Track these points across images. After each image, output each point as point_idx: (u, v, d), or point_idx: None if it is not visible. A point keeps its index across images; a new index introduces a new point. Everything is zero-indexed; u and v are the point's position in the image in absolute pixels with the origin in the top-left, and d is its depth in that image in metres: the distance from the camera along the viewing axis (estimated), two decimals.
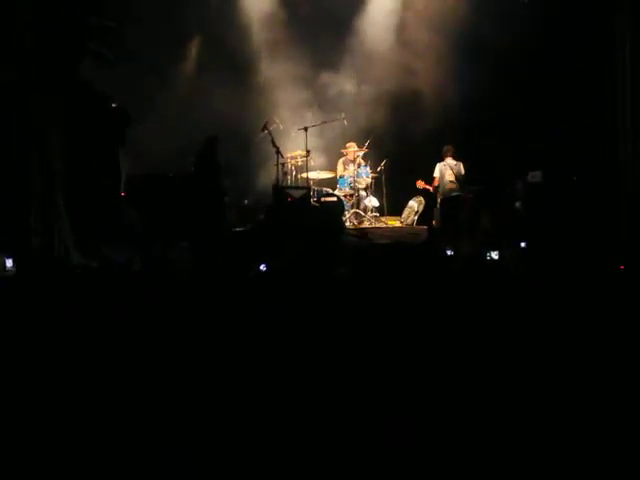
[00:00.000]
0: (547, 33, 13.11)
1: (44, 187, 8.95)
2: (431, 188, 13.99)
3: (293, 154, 14.41)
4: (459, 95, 14.37)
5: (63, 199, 9.20)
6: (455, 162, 13.84)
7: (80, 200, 9.77)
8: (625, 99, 11.49)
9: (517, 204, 12.90)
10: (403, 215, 15.07)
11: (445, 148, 13.96)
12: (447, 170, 13.76)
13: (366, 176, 14.81)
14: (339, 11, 15.30)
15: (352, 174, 14.67)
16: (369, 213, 14.71)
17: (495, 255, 8.02)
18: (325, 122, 14.52)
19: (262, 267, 7.06)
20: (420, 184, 14.20)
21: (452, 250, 9.12)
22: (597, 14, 12.01)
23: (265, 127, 13.49)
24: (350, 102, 15.35)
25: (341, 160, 15.13)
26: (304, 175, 14.14)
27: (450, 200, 13.39)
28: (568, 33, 12.64)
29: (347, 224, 14.05)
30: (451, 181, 13.70)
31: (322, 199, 13.77)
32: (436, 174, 13.85)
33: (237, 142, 14.12)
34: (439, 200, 13.64)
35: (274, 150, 13.43)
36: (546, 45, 13.28)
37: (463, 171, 13.84)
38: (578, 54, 12.59)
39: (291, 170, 14.53)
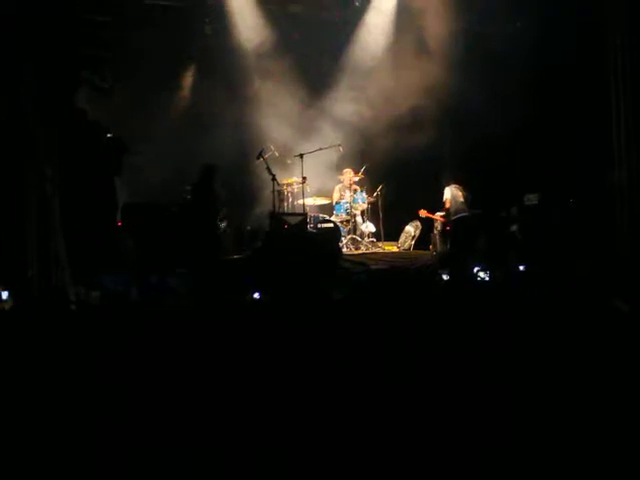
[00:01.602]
0: (539, 52, 13.23)
1: (40, 217, 8.95)
2: (438, 217, 14.04)
3: (289, 181, 14.46)
4: (455, 119, 14.47)
5: (59, 229, 9.20)
6: (459, 186, 13.94)
7: (76, 230, 9.77)
8: (620, 124, 11.54)
9: (513, 227, 12.94)
10: (400, 240, 15.10)
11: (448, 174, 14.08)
12: (458, 192, 13.81)
13: (362, 202, 14.87)
14: (332, 36, 15.42)
15: (348, 200, 14.71)
16: (366, 239, 14.73)
17: (487, 277, 8.03)
18: (321, 149, 14.56)
19: (256, 295, 7.04)
20: (423, 213, 14.27)
21: (450, 274, 9.12)
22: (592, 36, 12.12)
23: (260, 155, 13.54)
24: (345, 128, 15.39)
25: (337, 187, 15.18)
26: (300, 202, 14.17)
27: (464, 220, 13.45)
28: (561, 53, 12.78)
29: (344, 250, 14.06)
30: (462, 202, 13.76)
31: (319, 225, 13.79)
32: (447, 196, 13.85)
33: (233, 169, 14.16)
34: (452, 220, 13.61)
35: (270, 177, 13.47)
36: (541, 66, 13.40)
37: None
38: (573, 75, 12.70)
39: (287, 197, 14.55)
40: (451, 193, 13.83)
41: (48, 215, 9.01)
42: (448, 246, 13.75)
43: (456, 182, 13.94)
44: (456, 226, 13.47)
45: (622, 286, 7.23)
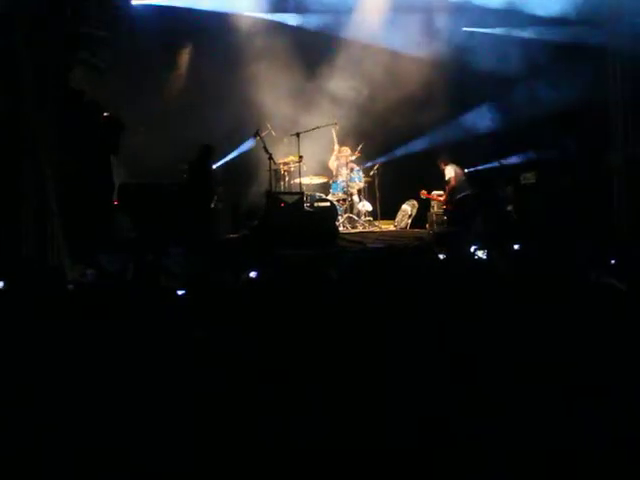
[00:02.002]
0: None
1: (36, 196, 8.94)
2: (436, 197, 14.10)
3: (285, 160, 14.43)
4: (452, 98, 14.43)
5: (56, 208, 9.19)
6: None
7: (73, 209, 9.76)
8: (617, 103, 11.60)
9: (509, 207, 12.96)
10: (397, 219, 15.11)
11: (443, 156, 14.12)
12: (459, 170, 13.86)
13: (359, 180, 14.88)
14: (329, 15, 15.32)
15: (345, 179, 14.71)
16: (362, 217, 14.74)
17: (484, 255, 8.04)
18: (318, 127, 14.53)
19: (252, 274, 7.03)
20: (423, 194, 14.31)
21: (447, 253, 9.13)
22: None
23: (257, 134, 13.52)
24: (342, 107, 15.34)
25: (333, 157, 15.15)
26: (297, 180, 14.16)
27: (466, 199, 13.51)
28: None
29: (341, 229, 14.07)
30: (465, 180, 13.81)
31: (315, 204, 13.78)
32: (452, 174, 13.88)
33: (230, 149, 14.14)
34: (457, 198, 13.64)
35: (266, 156, 13.45)
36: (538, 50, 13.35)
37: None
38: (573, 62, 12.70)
39: (284, 176, 14.54)
40: (454, 171, 13.85)
41: (44, 194, 9.00)
42: (447, 225, 13.80)
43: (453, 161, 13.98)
44: (458, 205, 13.52)
45: (620, 264, 7.24)
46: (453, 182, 13.83)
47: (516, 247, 8.81)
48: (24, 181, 8.87)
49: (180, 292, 6.12)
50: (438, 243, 11.18)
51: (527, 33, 13.78)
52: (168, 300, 5.92)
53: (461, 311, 4.75)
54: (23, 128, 8.90)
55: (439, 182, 14.46)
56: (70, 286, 8.26)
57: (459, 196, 13.59)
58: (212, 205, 12.51)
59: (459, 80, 14.27)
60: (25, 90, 8.94)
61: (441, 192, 14.20)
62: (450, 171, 13.89)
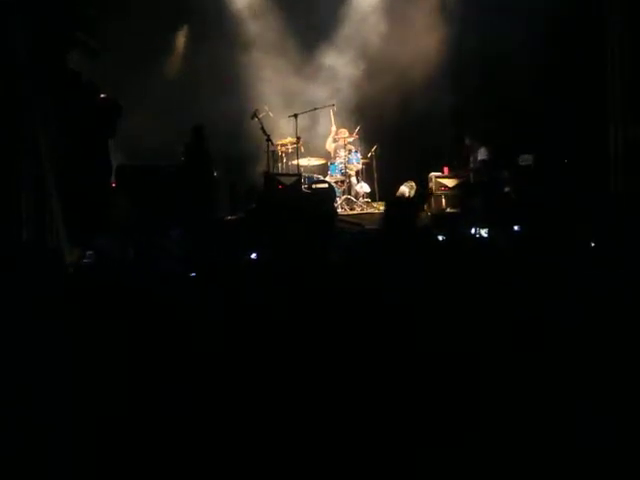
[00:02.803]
0: (537, 22, 13.10)
1: (34, 179, 8.91)
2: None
3: (283, 141, 14.41)
4: (450, 80, 14.39)
5: (54, 190, 9.16)
6: None
7: (71, 191, 9.73)
8: (615, 84, 11.56)
9: (507, 189, 12.94)
10: None
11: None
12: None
13: (357, 162, 14.87)
14: None
15: (343, 160, 14.70)
16: (360, 199, 14.73)
17: (485, 235, 8.06)
18: (315, 109, 14.51)
19: (253, 255, 7.03)
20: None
21: (446, 234, 9.13)
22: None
23: (255, 115, 13.50)
24: (340, 88, 15.31)
25: (331, 138, 15.13)
26: (295, 162, 14.15)
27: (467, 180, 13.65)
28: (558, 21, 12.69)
29: (339, 210, 14.07)
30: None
31: (313, 186, 13.79)
32: (484, 157, 13.96)
33: (228, 131, 14.09)
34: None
35: (264, 138, 13.43)
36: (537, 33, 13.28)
37: None
38: (569, 42, 12.63)
39: (281, 157, 14.52)
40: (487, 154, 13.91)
41: (42, 177, 8.97)
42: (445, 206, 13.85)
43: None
44: (456, 187, 13.60)
45: (616, 242, 7.27)
46: (482, 165, 13.84)
47: (516, 228, 8.81)
48: (23, 165, 8.83)
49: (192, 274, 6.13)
50: (437, 224, 11.18)
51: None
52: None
53: (464, 291, 4.76)
54: (22, 112, 8.85)
55: (437, 163, 14.51)
56: (70, 269, 8.28)
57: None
58: (211, 186, 12.49)
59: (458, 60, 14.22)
60: (23, 73, 8.89)
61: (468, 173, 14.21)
62: (483, 153, 13.90)
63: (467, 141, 14.27)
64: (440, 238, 7.73)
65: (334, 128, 15.12)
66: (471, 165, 14.13)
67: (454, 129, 14.47)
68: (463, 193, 13.30)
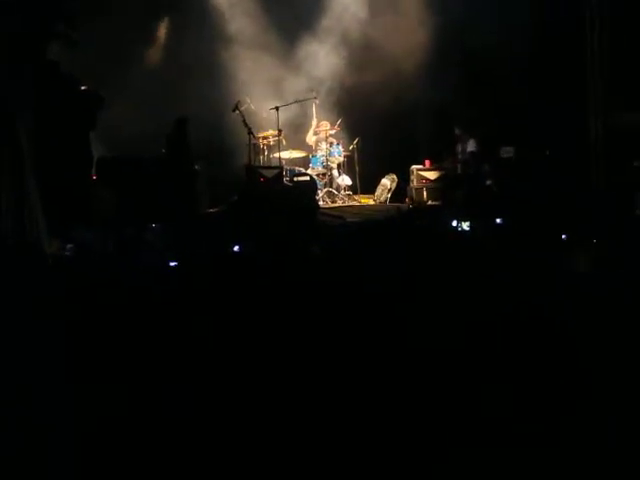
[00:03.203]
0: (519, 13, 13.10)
1: (14, 170, 8.82)
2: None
3: (265, 134, 14.37)
4: (433, 73, 14.39)
5: (34, 182, 9.07)
6: None
7: (51, 183, 9.64)
8: (595, 76, 11.62)
9: (488, 182, 12.98)
10: (376, 193, 15.11)
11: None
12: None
13: (338, 155, 14.85)
14: None
15: (325, 153, 14.68)
16: (342, 192, 14.72)
17: (467, 228, 8.08)
18: (297, 101, 14.49)
19: (235, 248, 7.02)
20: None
21: (428, 226, 9.16)
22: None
23: (236, 107, 13.44)
24: (322, 81, 15.28)
25: (312, 131, 15.11)
26: (276, 155, 14.11)
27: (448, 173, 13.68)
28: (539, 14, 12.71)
29: (320, 203, 14.05)
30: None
31: (295, 178, 13.77)
32: (473, 148, 13.99)
33: (209, 123, 14.03)
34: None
35: (246, 130, 13.39)
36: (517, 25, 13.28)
37: None
38: (550, 33, 12.66)
39: (263, 150, 14.48)
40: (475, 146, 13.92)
41: (22, 169, 8.88)
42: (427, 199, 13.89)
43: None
44: (438, 180, 13.66)
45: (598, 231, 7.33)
46: (471, 157, 13.86)
47: (498, 221, 8.85)
48: (2, 156, 8.73)
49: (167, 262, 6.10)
50: (419, 217, 11.20)
51: None
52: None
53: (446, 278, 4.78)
54: (0, 103, 8.75)
55: (418, 156, 14.55)
56: (49, 261, 8.23)
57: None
58: (192, 179, 12.44)
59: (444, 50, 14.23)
60: (2, 64, 8.79)
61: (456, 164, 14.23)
62: (472, 145, 13.91)
63: (457, 131, 14.27)
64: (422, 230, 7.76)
65: (315, 122, 15.09)
66: (459, 156, 14.13)
67: (444, 120, 14.41)
68: (446, 186, 13.31)
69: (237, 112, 13.42)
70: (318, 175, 14.58)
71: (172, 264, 6.12)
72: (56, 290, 6.08)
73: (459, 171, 13.85)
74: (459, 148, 14.18)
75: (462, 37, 13.73)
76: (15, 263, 7.77)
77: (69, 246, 8.92)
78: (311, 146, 15.11)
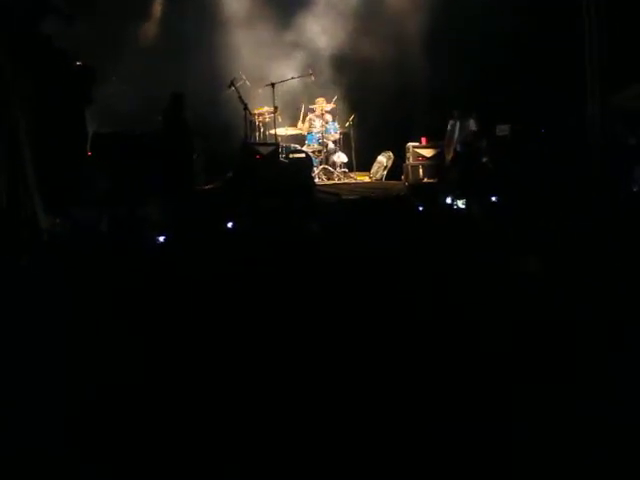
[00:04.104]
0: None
1: (9, 148, 8.79)
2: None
3: (260, 110, 14.32)
4: (428, 50, 14.33)
5: (29, 160, 9.04)
6: None
7: (46, 160, 9.61)
8: (592, 59, 11.63)
9: (484, 159, 12.96)
10: (372, 170, 15.09)
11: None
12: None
13: (334, 132, 14.81)
14: None
15: (320, 130, 14.65)
16: (338, 169, 14.69)
17: (462, 206, 8.09)
18: (293, 78, 14.42)
19: (230, 225, 7.01)
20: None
21: (424, 204, 9.17)
22: None
23: (232, 84, 13.39)
24: (318, 57, 15.21)
25: (308, 117, 15.05)
26: (272, 131, 14.07)
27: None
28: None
29: (316, 180, 14.04)
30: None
31: (291, 155, 13.74)
32: (474, 128, 13.97)
33: (205, 99, 13.97)
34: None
35: (241, 107, 13.34)
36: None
37: None
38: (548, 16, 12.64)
39: (259, 127, 14.43)
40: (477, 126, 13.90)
41: (17, 145, 8.84)
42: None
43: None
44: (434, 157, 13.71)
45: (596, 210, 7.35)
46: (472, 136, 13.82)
47: (493, 199, 8.85)
48: None
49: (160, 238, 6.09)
50: (414, 194, 11.20)
51: None
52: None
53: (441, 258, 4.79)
54: None
55: (415, 133, 14.52)
56: (45, 236, 8.22)
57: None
58: (189, 155, 12.39)
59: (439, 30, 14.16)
60: None
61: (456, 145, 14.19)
62: (473, 124, 13.88)
63: (456, 112, 14.21)
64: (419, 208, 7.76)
65: (302, 110, 15.04)
66: (456, 135, 14.07)
67: (441, 98, 14.36)
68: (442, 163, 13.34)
69: (232, 89, 13.37)
70: (314, 152, 14.55)
71: (161, 239, 6.10)
72: (50, 264, 6.09)
73: (458, 149, 13.79)
74: (456, 127, 14.11)
75: (461, 15, 13.67)
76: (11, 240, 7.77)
77: (63, 221, 8.91)
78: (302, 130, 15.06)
